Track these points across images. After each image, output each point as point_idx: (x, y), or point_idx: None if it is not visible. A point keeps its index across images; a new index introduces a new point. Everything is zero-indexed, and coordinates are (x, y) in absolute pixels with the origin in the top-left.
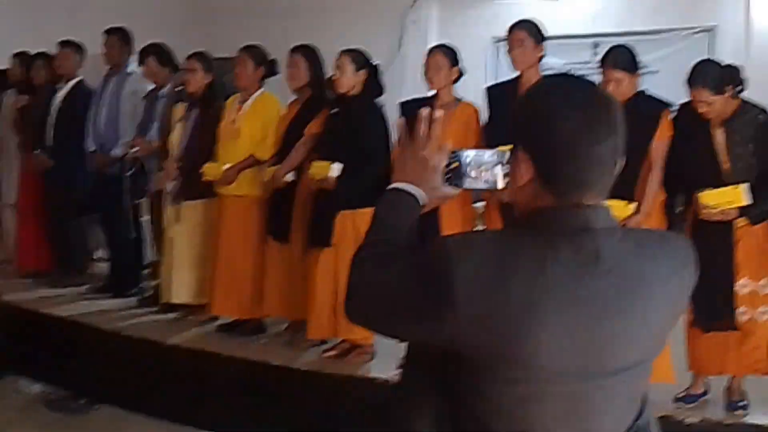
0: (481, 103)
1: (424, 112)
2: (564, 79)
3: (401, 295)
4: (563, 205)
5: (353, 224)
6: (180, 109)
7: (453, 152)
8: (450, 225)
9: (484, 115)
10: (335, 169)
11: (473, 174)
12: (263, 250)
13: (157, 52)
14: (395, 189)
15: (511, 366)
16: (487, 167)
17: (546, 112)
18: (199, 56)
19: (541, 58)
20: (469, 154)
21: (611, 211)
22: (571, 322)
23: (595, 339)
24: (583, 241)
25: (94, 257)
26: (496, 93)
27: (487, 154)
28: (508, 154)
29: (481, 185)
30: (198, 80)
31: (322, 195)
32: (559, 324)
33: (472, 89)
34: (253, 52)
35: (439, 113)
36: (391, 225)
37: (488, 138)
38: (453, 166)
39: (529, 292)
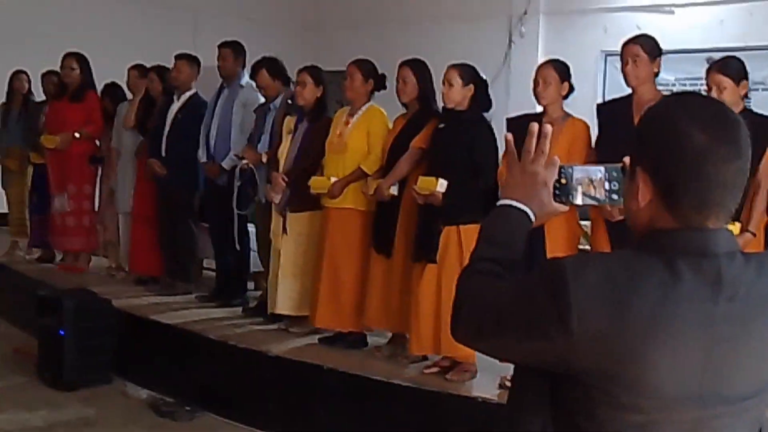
0: (590, 119)
1: (534, 126)
2: (690, 97)
3: (512, 313)
4: (684, 228)
5: (458, 240)
6: (290, 121)
7: (562, 168)
8: (555, 242)
9: (594, 132)
10: (442, 184)
11: (582, 190)
12: (367, 263)
13: (269, 65)
14: (504, 205)
15: (629, 390)
16: (597, 184)
17: (671, 131)
18: (309, 69)
19: (656, 74)
20: (579, 170)
21: (733, 234)
22: (691, 347)
23: (716, 365)
24: (704, 265)
25: (204, 265)
26: (608, 110)
27: (597, 171)
28: (618, 171)
29: (589, 202)
30: (308, 93)
31: (427, 209)
32: (679, 349)
33: (581, 104)
34: (362, 65)
35: (548, 128)
36: (500, 242)
37: (599, 156)
38: (561, 182)
39: (649, 315)
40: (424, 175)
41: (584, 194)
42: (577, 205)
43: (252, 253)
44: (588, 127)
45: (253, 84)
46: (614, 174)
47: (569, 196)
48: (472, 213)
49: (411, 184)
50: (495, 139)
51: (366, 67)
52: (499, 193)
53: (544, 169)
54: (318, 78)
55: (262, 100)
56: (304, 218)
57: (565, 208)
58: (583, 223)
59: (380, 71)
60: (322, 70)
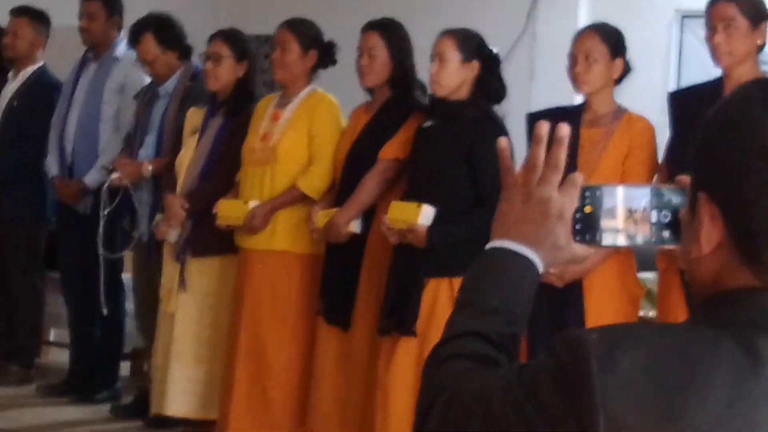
0: (657, 115)
1: (543, 127)
2: None
3: (507, 420)
4: None
5: (451, 300)
6: (194, 115)
7: (587, 190)
8: (599, 308)
9: (664, 135)
10: (426, 214)
11: (620, 224)
12: (310, 337)
13: (157, 28)
14: (498, 250)
15: None
16: (641, 215)
17: (752, 141)
18: (226, 36)
19: (760, 48)
20: (613, 194)
21: None
22: None
23: None
24: None
25: (52, 339)
26: (685, 103)
27: (642, 194)
28: (677, 195)
29: (628, 243)
30: (224, 73)
31: (403, 253)
32: None
33: (643, 93)
34: (299, 29)
35: (564, 130)
36: (490, 307)
37: (671, 172)
38: (586, 211)
39: (717, 420)
40: (401, 200)
41: (624, 230)
42: (610, 247)
43: (128, 319)
44: (653, 129)
45: (134, 56)
46: (669, 199)
47: (597, 233)
48: (471, 259)
49: (381, 215)
50: (509, 145)
51: (305, 32)
52: (491, 231)
53: (559, 194)
54: (240, 49)
55: (148, 81)
56: (213, 267)
57: (592, 251)
58: (644, 276)
59: (328, 38)
60: (245, 36)
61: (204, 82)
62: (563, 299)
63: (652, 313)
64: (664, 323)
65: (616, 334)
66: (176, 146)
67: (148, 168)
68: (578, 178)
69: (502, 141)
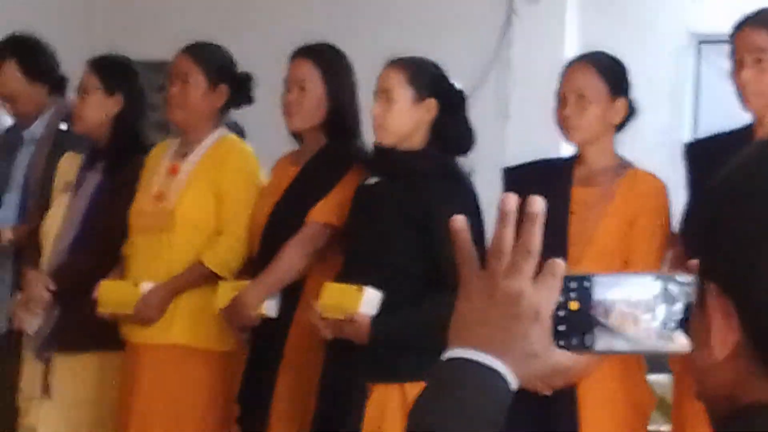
0: (669, 171)
1: (509, 202)
2: None
3: None
4: None
5: (401, 412)
6: (67, 165)
7: (572, 280)
8: (597, 421)
9: (679, 197)
10: (369, 300)
11: (616, 321)
12: None
13: (23, 54)
14: (455, 360)
15: None
16: (642, 311)
17: None
18: (94, 64)
19: None
20: (609, 283)
21: None
22: None
23: None
24: None
25: None
26: (706, 156)
27: (645, 284)
28: (688, 284)
29: (626, 347)
30: (91, 110)
31: (340, 351)
32: None
33: (652, 141)
34: (205, 56)
35: (538, 205)
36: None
37: (687, 243)
38: (572, 308)
39: None
40: (338, 280)
41: (617, 333)
42: (604, 354)
43: None
44: (665, 189)
45: None
46: (681, 291)
47: (587, 336)
48: (428, 358)
49: (308, 299)
50: (478, 211)
51: (213, 61)
52: (448, 336)
53: (534, 287)
54: (112, 79)
55: (8, 122)
56: (87, 366)
57: (579, 359)
58: (655, 379)
59: (242, 69)
60: (125, 61)
61: (76, 123)
62: (551, 412)
63: (665, 428)
64: None
65: None
66: (44, 207)
67: (8, 236)
68: (559, 266)
69: (457, 221)
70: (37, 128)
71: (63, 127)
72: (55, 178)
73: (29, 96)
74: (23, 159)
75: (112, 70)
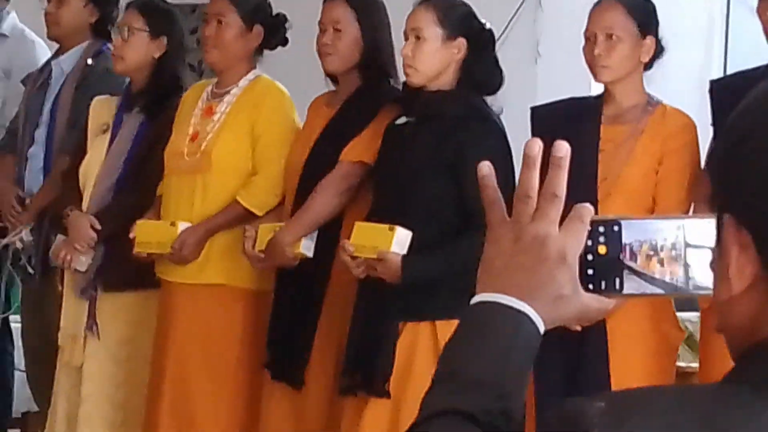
0: (699, 109)
1: (534, 147)
2: None
3: None
4: None
5: (432, 349)
6: (101, 108)
7: (600, 224)
8: (627, 357)
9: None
10: (400, 239)
11: (644, 264)
12: (253, 397)
13: None
14: (483, 304)
15: None
16: (668, 254)
17: None
18: (140, 5)
19: None
20: (632, 228)
21: None
22: None
23: None
24: None
25: None
26: (732, 93)
27: (670, 227)
28: (714, 227)
29: (654, 290)
30: (135, 51)
31: (370, 290)
32: None
33: (682, 80)
34: None
35: (563, 149)
36: (475, 378)
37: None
38: (599, 251)
39: None
40: (368, 219)
41: (644, 275)
42: (634, 296)
43: (19, 374)
44: (694, 126)
45: (23, 32)
46: (708, 232)
47: (616, 279)
48: (458, 297)
49: (343, 239)
50: (509, 151)
51: (248, 2)
52: (477, 282)
53: (561, 231)
54: (157, 21)
55: (42, 60)
56: (131, 305)
57: (608, 302)
58: (685, 316)
59: (277, 9)
60: (167, 5)
61: (110, 61)
62: (581, 346)
63: (695, 364)
64: (686, 386)
65: (626, 404)
66: (77, 145)
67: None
68: (586, 210)
69: (483, 167)
70: (65, 61)
71: (89, 62)
72: (88, 120)
73: (75, 13)
74: (51, 93)
75: (157, 13)
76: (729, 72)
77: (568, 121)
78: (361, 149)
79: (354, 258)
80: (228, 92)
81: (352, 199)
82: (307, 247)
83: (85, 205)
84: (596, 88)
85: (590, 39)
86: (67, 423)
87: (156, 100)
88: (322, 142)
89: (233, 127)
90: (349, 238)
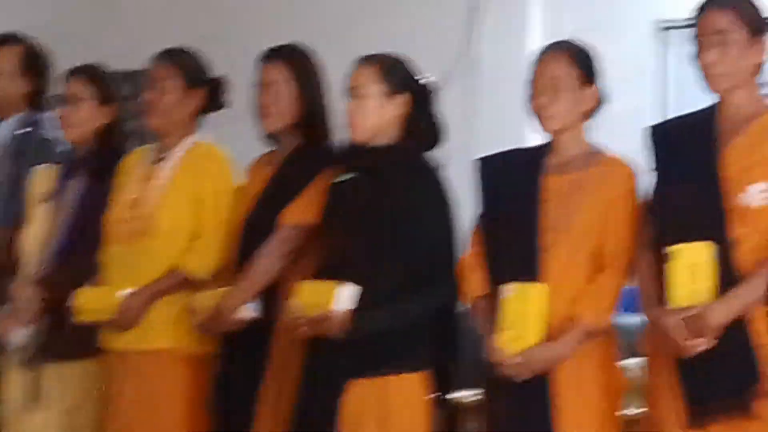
0: (636, 155)
1: None
2: None
3: None
4: None
5: (379, 405)
6: (43, 177)
7: None
8: (572, 405)
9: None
10: (346, 295)
11: None
12: None
13: (29, 48)
14: None
15: None
16: None
17: None
18: (87, 74)
19: (760, 66)
20: None
21: None
22: None
23: None
24: None
25: None
26: (671, 137)
27: None
28: None
29: None
30: (85, 119)
31: (318, 349)
32: None
33: (620, 127)
34: (181, 62)
35: None
36: None
37: (655, 225)
38: None
39: None
40: (315, 278)
41: None
42: None
43: None
44: (634, 174)
45: None
46: None
47: None
48: (405, 352)
49: (286, 299)
50: (450, 204)
51: (189, 66)
52: None
53: None
54: (105, 90)
55: None
56: (75, 373)
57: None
58: (627, 363)
59: (216, 73)
60: (107, 73)
61: (43, 131)
62: (527, 398)
63: (639, 411)
64: None
65: None
66: (18, 220)
67: None
68: None
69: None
70: (6, 131)
71: (20, 131)
72: (28, 189)
73: (14, 85)
74: None
75: (104, 81)
76: (666, 116)
77: (511, 171)
78: (300, 211)
79: (298, 318)
80: (169, 156)
81: (293, 261)
82: (251, 310)
83: (25, 275)
84: (532, 141)
85: (534, 88)
86: None
87: (101, 165)
88: (262, 203)
89: (175, 192)
90: (291, 298)
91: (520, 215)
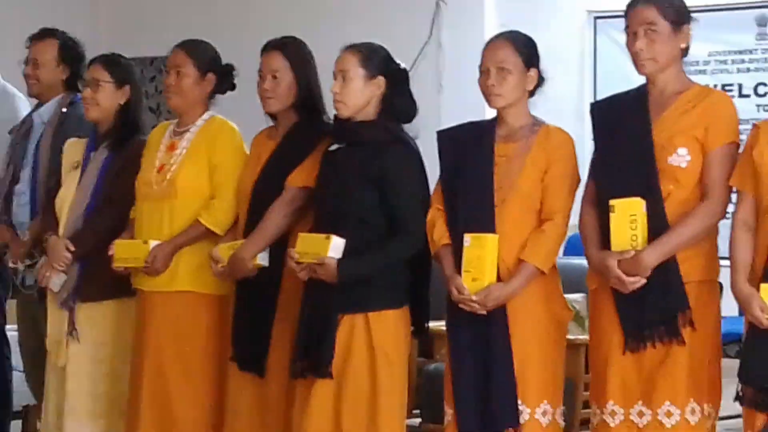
0: (576, 127)
1: None
2: None
3: None
4: None
5: (367, 337)
6: (73, 148)
7: None
8: (524, 333)
9: (585, 148)
10: (336, 245)
11: None
12: (221, 387)
13: (65, 41)
14: None
15: None
16: None
17: None
18: (105, 61)
19: (684, 51)
20: None
21: None
22: None
23: None
24: None
25: None
26: (607, 113)
27: None
28: None
29: None
30: (104, 100)
31: (315, 290)
32: None
33: (560, 104)
34: (195, 50)
35: None
36: None
37: (597, 186)
38: None
39: None
40: (311, 231)
41: None
42: None
43: (16, 375)
44: (572, 142)
45: (8, 87)
46: None
47: None
48: (387, 292)
49: (289, 249)
50: (423, 169)
51: (202, 55)
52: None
53: None
54: (120, 74)
55: (24, 111)
56: (106, 312)
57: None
58: (572, 297)
59: (225, 60)
60: (126, 60)
61: (81, 109)
62: (488, 325)
63: (582, 336)
64: None
65: None
66: (55, 183)
67: (26, 236)
68: None
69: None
70: (45, 112)
71: (64, 110)
72: (62, 158)
73: (52, 74)
74: (34, 139)
75: (119, 66)
76: (598, 95)
77: (468, 141)
78: (304, 175)
79: (299, 263)
80: (188, 130)
81: (298, 218)
82: (263, 258)
83: (61, 230)
84: (490, 113)
85: (484, 72)
86: (57, 414)
87: (120, 139)
88: (269, 170)
89: (193, 159)
90: (294, 248)
91: (476, 177)
